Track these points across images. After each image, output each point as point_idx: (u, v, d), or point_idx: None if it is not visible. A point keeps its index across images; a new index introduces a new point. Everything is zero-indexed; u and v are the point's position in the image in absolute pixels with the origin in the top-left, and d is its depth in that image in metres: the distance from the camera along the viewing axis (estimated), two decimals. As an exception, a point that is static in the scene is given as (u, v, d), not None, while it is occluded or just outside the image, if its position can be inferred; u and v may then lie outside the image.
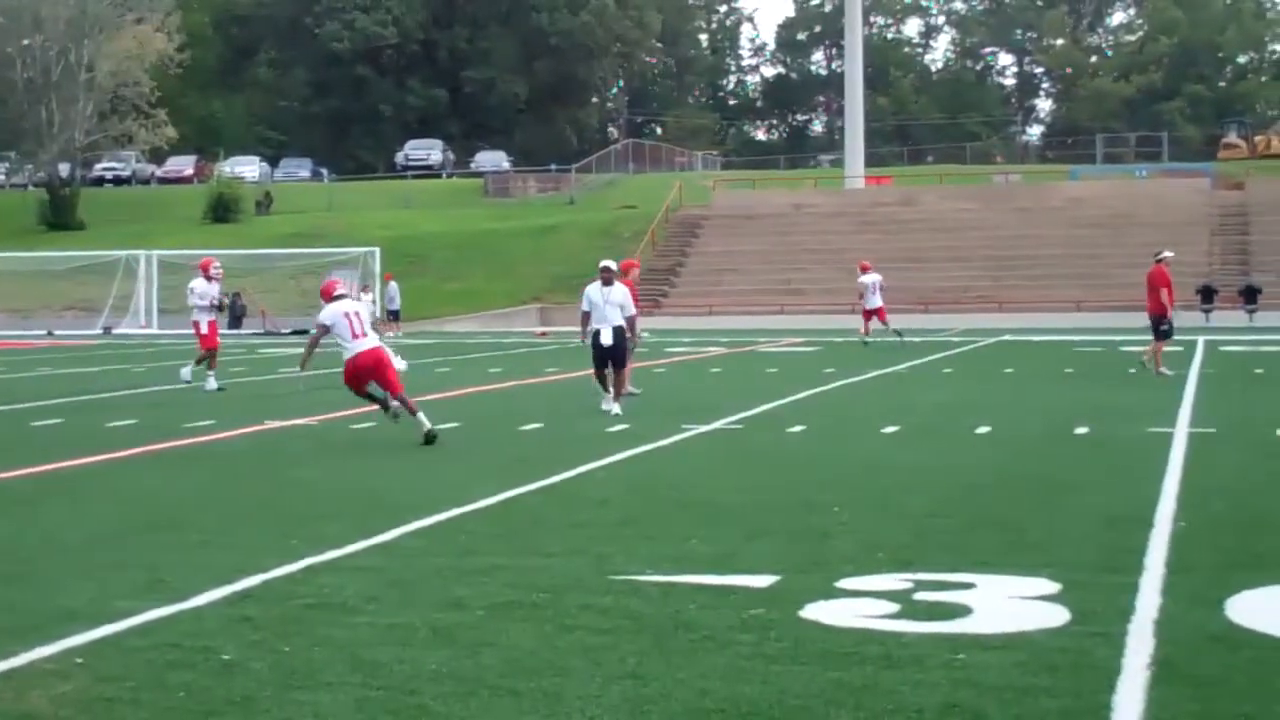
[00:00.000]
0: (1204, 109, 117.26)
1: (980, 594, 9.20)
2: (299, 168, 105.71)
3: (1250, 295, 53.66)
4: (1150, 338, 29.49)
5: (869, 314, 41.73)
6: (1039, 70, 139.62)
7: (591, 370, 22.31)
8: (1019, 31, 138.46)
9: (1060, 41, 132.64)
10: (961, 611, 8.73)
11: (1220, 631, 8.31)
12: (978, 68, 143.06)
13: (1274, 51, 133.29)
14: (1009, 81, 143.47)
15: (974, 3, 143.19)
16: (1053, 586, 9.35)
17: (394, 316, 58.84)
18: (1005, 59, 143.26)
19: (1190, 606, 8.84)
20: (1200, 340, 41.15)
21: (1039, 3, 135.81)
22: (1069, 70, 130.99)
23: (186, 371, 28.35)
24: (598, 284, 21.91)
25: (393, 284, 59.74)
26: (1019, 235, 64.50)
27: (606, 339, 21.58)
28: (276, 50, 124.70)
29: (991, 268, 61.73)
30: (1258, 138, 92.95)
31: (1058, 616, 8.62)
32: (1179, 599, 9.04)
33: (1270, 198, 65.00)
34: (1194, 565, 10.05)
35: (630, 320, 21.87)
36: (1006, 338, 45.80)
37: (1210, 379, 27.44)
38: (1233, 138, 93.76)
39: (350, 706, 6.96)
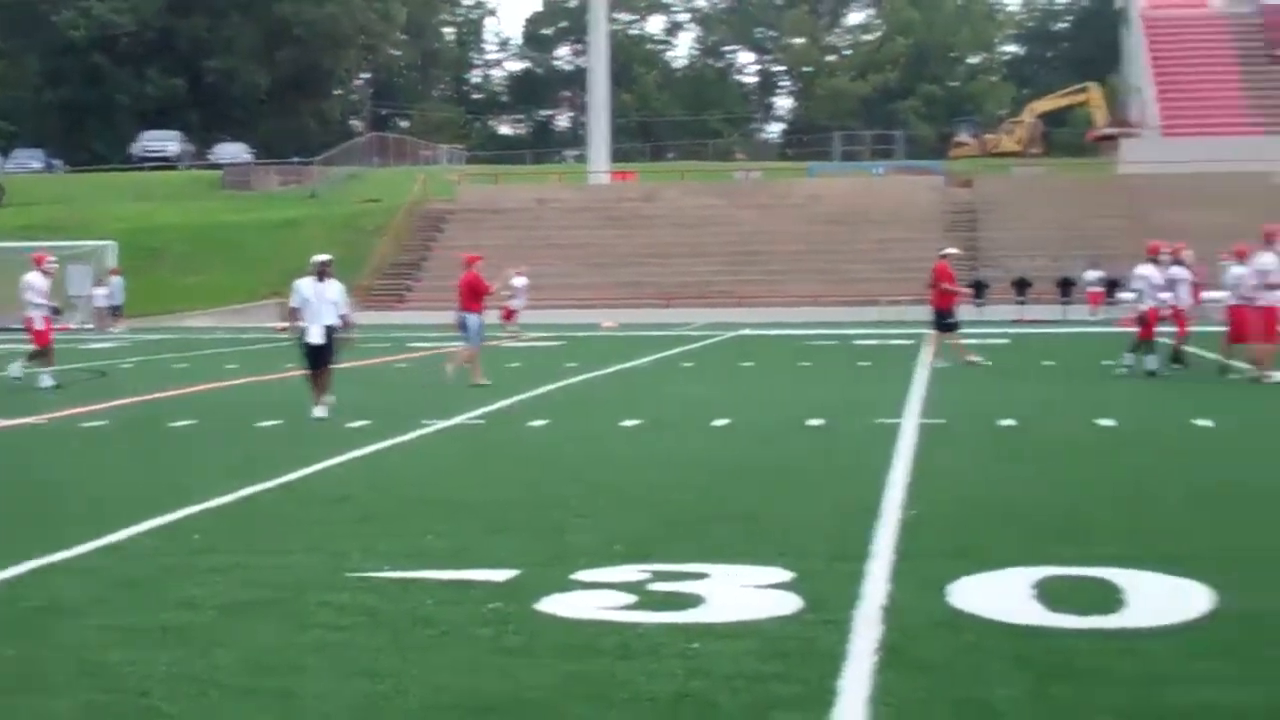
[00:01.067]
0: (937, 108, 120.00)
1: (715, 583, 9.33)
2: (31, 159, 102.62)
3: (978, 289, 55.05)
4: (936, 330, 30.52)
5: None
6: (779, 69, 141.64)
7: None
8: (760, 30, 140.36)
9: (800, 40, 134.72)
10: (696, 601, 8.85)
11: (944, 616, 8.54)
12: (720, 65, 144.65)
13: (1004, 53, 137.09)
14: (750, 79, 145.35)
15: (716, 1, 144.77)
16: (785, 575, 9.52)
17: (116, 312, 57.28)
18: (747, 57, 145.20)
19: (916, 592, 9.07)
20: (930, 333, 42.06)
21: (779, 2, 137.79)
22: (808, 69, 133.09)
23: (16, 368, 27.44)
24: (311, 279, 20.60)
25: (116, 279, 58.07)
26: (759, 231, 65.42)
27: (316, 338, 20.43)
28: (7, 38, 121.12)
29: (732, 263, 62.50)
30: (987, 137, 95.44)
31: (790, 604, 8.78)
32: (905, 585, 9.27)
33: (998, 195, 66.84)
34: (920, 552, 10.31)
35: (345, 319, 20.78)
36: (745, 332, 46.41)
37: (940, 371, 28.12)
38: (964, 137, 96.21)
39: (79, 711, 6.83)
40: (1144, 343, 25.96)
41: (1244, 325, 24.33)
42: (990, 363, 30.00)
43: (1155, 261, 26.45)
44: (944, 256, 31.10)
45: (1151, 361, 25.71)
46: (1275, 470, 14.60)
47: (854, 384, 25.89)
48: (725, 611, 8.62)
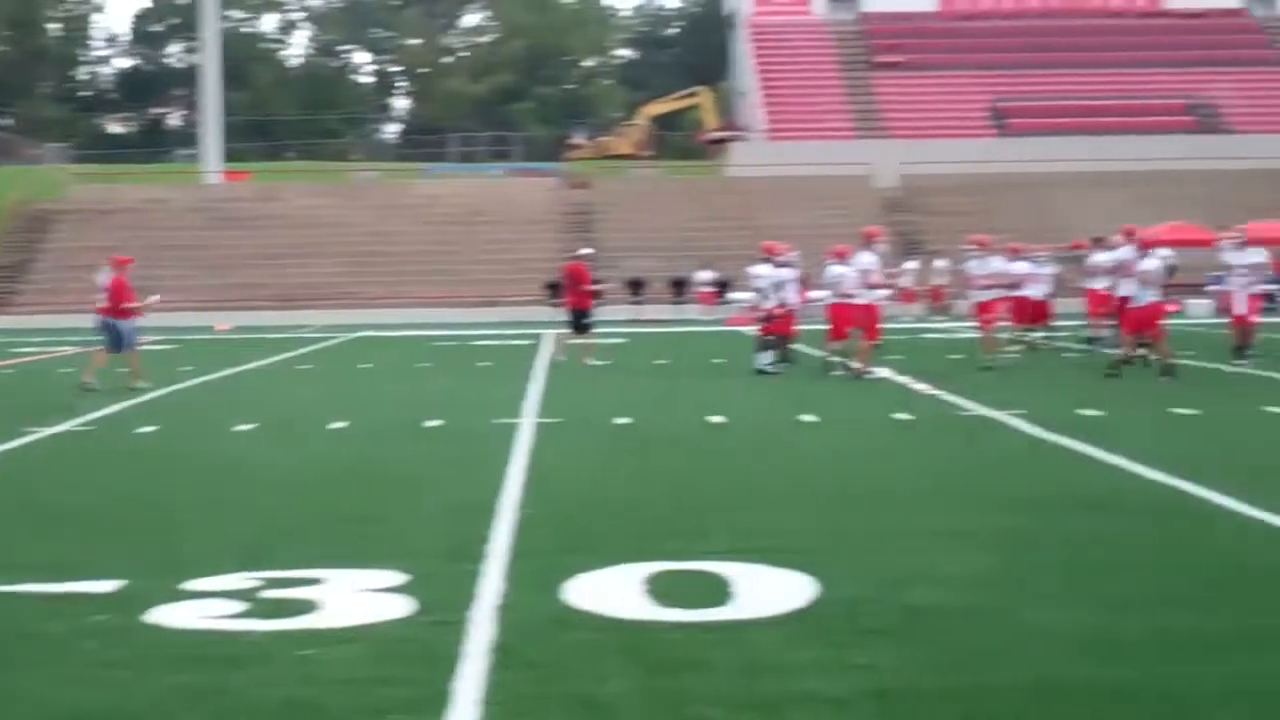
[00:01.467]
0: (553, 110, 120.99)
1: (329, 588, 9.23)
2: None
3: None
4: (571, 330, 30.59)
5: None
6: (396, 69, 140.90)
7: None
8: (376, 30, 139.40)
9: (416, 41, 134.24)
10: (309, 607, 8.74)
11: (557, 614, 8.61)
12: (336, 65, 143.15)
13: (617, 57, 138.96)
14: (367, 79, 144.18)
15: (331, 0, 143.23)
16: (401, 578, 9.47)
17: None
18: (363, 57, 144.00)
19: (530, 591, 9.12)
20: (549, 333, 42.41)
21: (395, 2, 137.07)
22: (425, 70, 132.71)
23: None
24: None
25: None
26: (377, 232, 64.96)
27: None
28: None
29: (350, 264, 61.94)
30: (602, 139, 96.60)
31: (405, 607, 8.75)
32: (520, 584, 9.32)
33: (613, 197, 67.72)
34: (535, 551, 10.37)
35: None
36: (365, 333, 46.07)
37: (558, 371, 28.34)
38: (579, 139, 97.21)
39: None
40: (767, 339, 26.57)
41: (844, 324, 25.16)
42: (612, 362, 30.32)
43: (770, 261, 27.13)
44: (579, 258, 31.39)
45: (764, 359, 26.34)
46: (875, 464, 15.11)
47: (473, 384, 25.91)
48: (339, 616, 8.54)
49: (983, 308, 27.28)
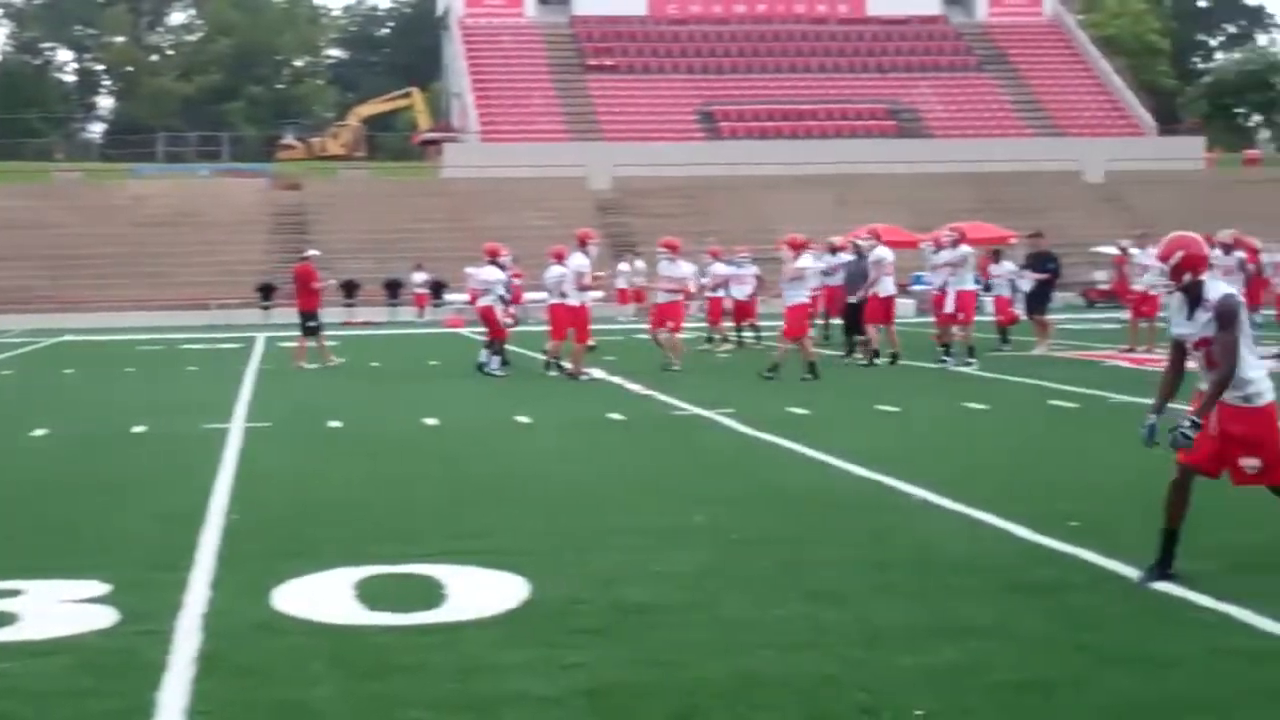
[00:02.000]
0: (263, 110, 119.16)
1: (29, 600, 9.00)
2: None
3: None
4: (300, 333, 30.01)
5: None
6: (100, 67, 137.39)
7: None
8: (79, 28, 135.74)
9: (120, 39, 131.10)
10: (9, 619, 8.52)
11: (265, 620, 8.52)
12: (37, 63, 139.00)
13: (329, 57, 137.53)
14: (70, 78, 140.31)
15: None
16: (104, 588, 9.27)
17: None
18: (66, 55, 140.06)
19: (238, 598, 9.01)
20: (260, 337, 41.86)
21: (99, 1, 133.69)
22: (130, 68, 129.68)
23: None
24: None
25: None
26: (81, 234, 63.12)
27: None
28: None
29: (52, 267, 60.11)
30: (314, 140, 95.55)
31: (108, 618, 8.57)
32: (228, 592, 9.20)
33: (325, 198, 66.95)
34: (244, 557, 10.24)
35: None
36: (68, 338, 44.80)
37: (269, 374, 27.98)
38: (290, 139, 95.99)
39: None
40: (493, 341, 26.50)
41: (562, 325, 25.23)
42: (343, 362, 29.95)
43: (496, 263, 27.07)
44: (305, 259, 30.87)
45: (494, 361, 26.23)
46: (588, 464, 15.21)
47: (181, 389, 25.43)
48: (39, 629, 8.34)
49: (665, 310, 27.18)
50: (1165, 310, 32.19)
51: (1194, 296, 9.05)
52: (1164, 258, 9.16)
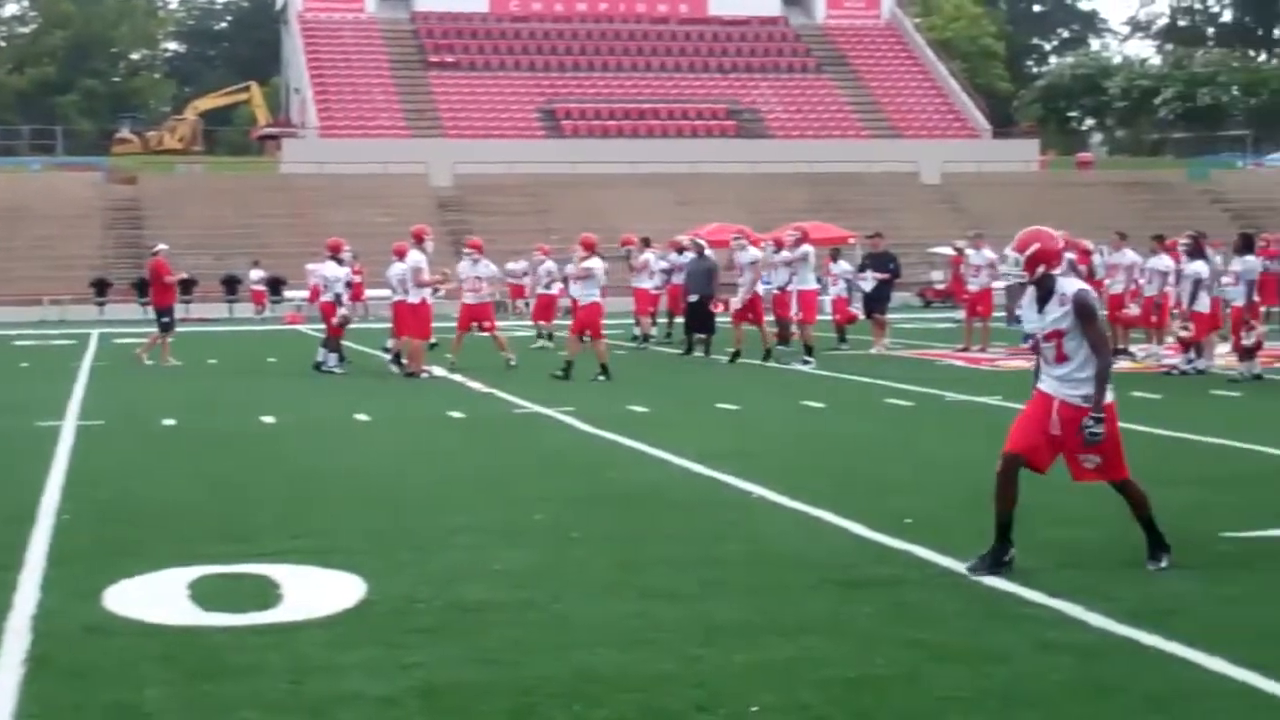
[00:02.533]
0: (99, 104, 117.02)
1: None
2: None
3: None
4: (156, 329, 29.41)
5: None
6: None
7: None
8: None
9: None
10: None
11: (96, 621, 8.38)
12: None
13: (166, 50, 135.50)
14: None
15: None
16: (-69, 590, 9.09)
17: None
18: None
19: (68, 599, 8.86)
20: (95, 333, 41.14)
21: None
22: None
23: None
24: None
25: None
26: (-92, 227, 61.66)
27: None
28: None
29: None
30: (150, 134, 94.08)
31: (-67, 622, 8.40)
32: (58, 593, 9.04)
33: (162, 193, 65.91)
34: (75, 558, 10.07)
35: None
36: (-104, 334, 43.67)
37: (103, 371, 27.53)
38: (126, 133, 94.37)
39: None
40: (332, 339, 26.21)
41: (405, 321, 24.94)
42: (177, 364, 29.51)
43: (337, 259, 26.79)
44: (156, 253, 30.23)
45: (332, 359, 25.98)
46: (428, 463, 15.13)
47: (12, 386, 24.95)
48: None
49: (473, 311, 26.70)
50: (1000, 306, 32.85)
51: (1045, 290, 9.22)
52: (1020, 249, 9.29)
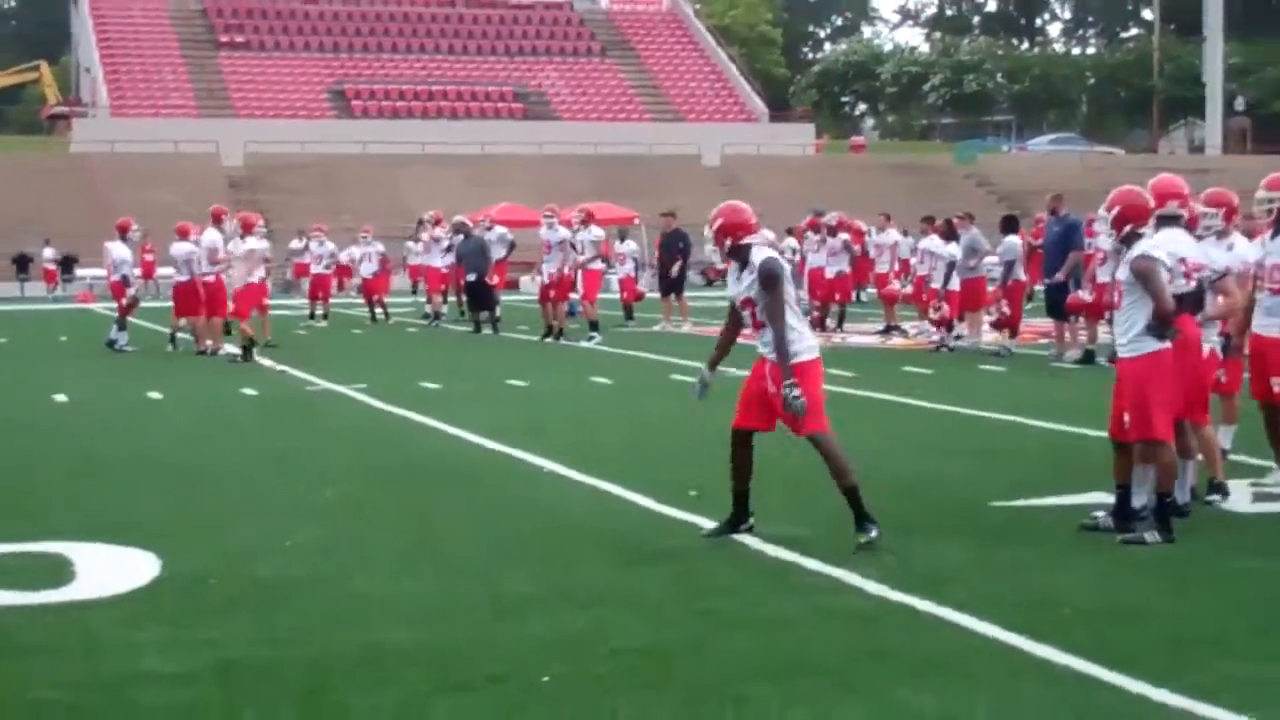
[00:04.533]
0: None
1: None
2: None
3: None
4: None
5: None
6: None
7: None
8: None
9: None
10: None
11: (-114, 604, 8.13)
12: None
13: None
14: None
15: None
16: None
17: None
18: None
19: None
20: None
21: None
22: None
23: None
24: None
25: None
26: None
27: None
28: None
29: None
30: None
31: None
32: None
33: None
34: None
35: None
36: None
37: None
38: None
39: None
40: (125, 316, 25.66)
41: (189, 300, 24.40)
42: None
43: (126, 239, 26.14)
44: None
45: (121, 337, 25.44)
46: (221, 440, 14.90)
47: None
48: None
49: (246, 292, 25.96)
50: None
51: (742, 260, 9.40)
52: (711, 224, 9.49)
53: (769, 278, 9.17)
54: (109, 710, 6.35)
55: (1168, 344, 9.19)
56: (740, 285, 9.43)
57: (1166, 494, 9.26)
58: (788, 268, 9.68)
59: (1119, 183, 10.19)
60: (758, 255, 9.32)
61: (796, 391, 9.01)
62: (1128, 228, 9.52)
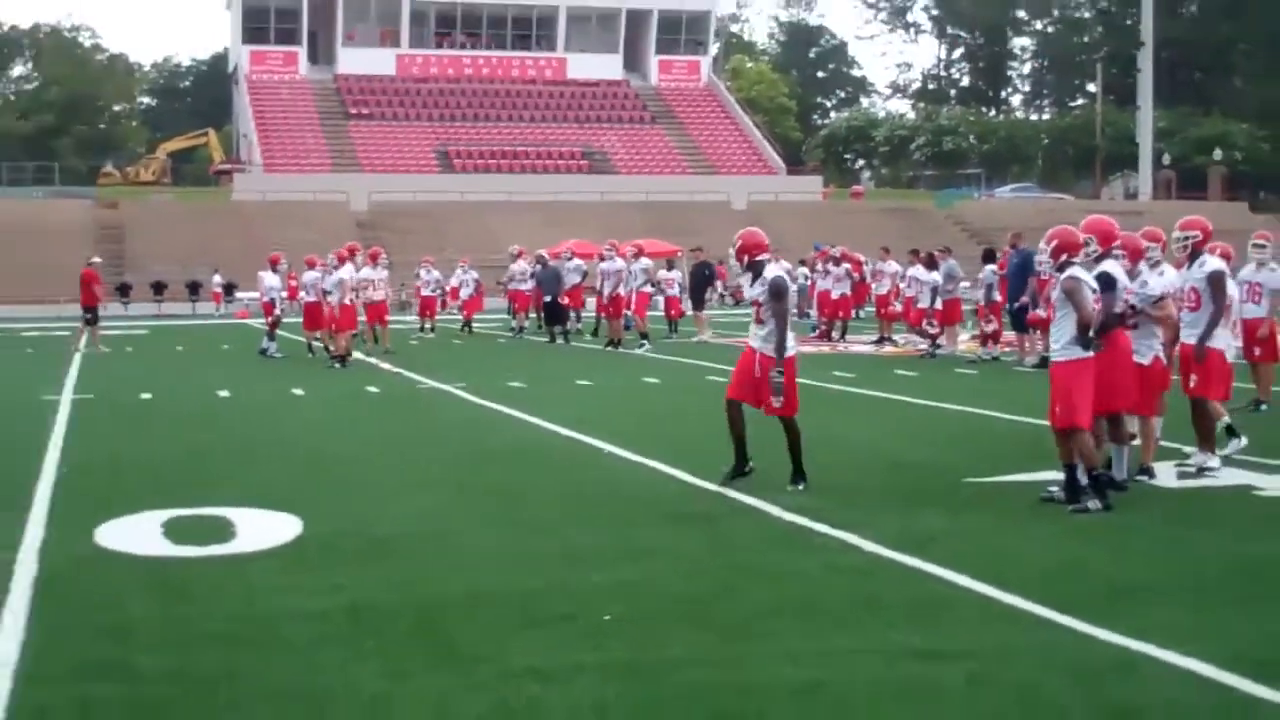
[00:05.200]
0: (88, 145, 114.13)
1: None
2: None
3: (125, 291, 53.10)
4: (84, 322, 29.06)
5: None
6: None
7: None
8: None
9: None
10: None
11: (90, 554, 8.20)
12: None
13: (141, 102, 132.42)
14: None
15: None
16: (-48, 531, 8.81)
17: None
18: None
19: (67, 536, 8.64)
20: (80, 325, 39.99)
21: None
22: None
23: None
24: None
25: None
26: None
27: None
28: None
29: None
30: (129, 169, 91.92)
31: (-44, 555, 8.15)
32: (59, 531, 8.83)
33: (139, 216, 64.55)
34: (72, 503, 9.84)
35: None
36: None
37: (92, 356, 26.86)
38: (110, 169, 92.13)
39: None
40: (274, 330, 25.93)
41: (318, 318, 24.35)
42: (130, 350, 28.97)
43: (275, 270, 26.40)
44: (91, 264, 30.04)
45: (270, 345, 25.59)
46: (350, 427, 14.92)
47: (20, 368, 24.29)
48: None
49: (374, 308, 25.41)
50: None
51: (757, 272, 10.06)
52: (733, 245, 10.32)
53: (776, 290, 9.85)
54: (262, 640, 6.39)
55: (1090, 352, 9.20)
56: (754, 290, 10.08)
57: (1093, 469, 9.25)
58: (794, 286, 10.07)
59: (1067, 222, 10.16)
60: (770, 271, 10.01)
61: (780, 377, 9.73)
62: (1063, 256, 9.54)
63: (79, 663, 5.99)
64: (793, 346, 10.03)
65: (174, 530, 8.82)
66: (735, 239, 10.32)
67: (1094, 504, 9.11)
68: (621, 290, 27.21)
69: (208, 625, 6.60)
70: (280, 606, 6.93)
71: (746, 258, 10.15)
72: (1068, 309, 9.25)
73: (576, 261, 31.11)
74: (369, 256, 26.09)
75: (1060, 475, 9.51)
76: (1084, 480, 9.24)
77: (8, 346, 31.28)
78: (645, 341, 26.22)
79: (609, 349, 26.34)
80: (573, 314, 30.53)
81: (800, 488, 9.89)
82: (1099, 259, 9.86)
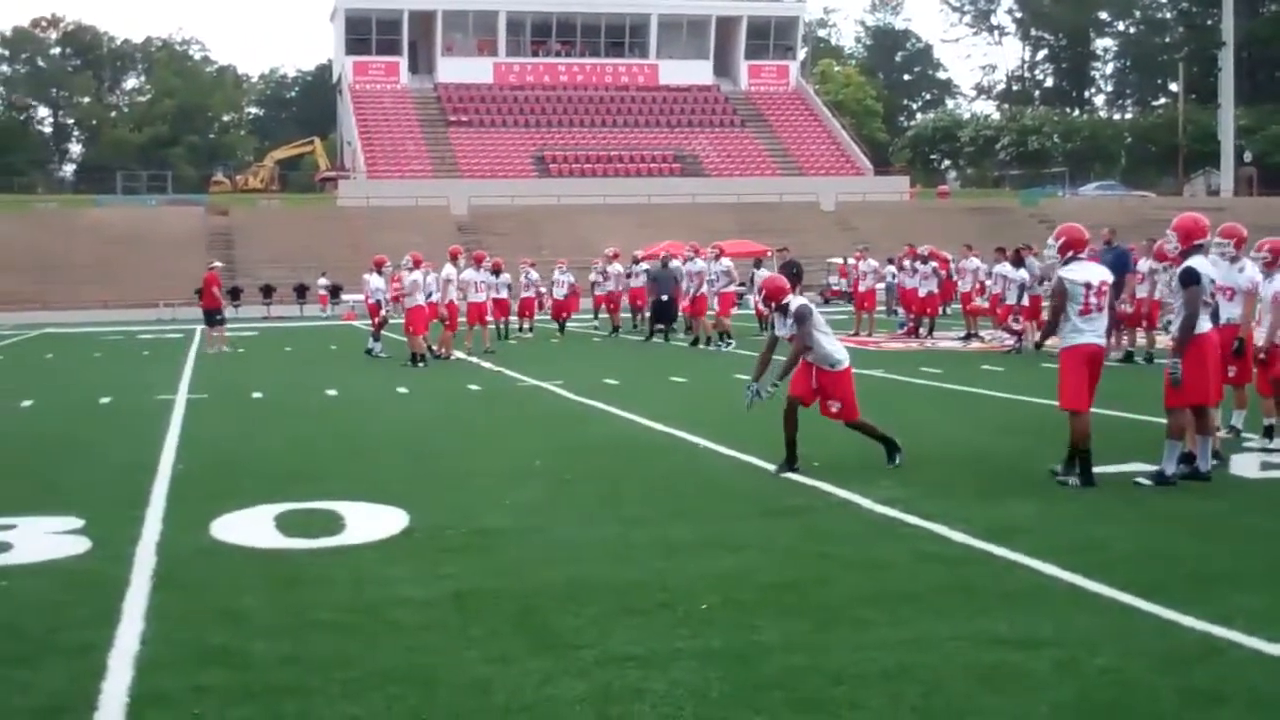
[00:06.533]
0: (199, 154, 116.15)
1: (20, 532, 8.74)
2: None
3: (236, 294, 54.05)
4: (207, 324, 30.04)
5: None
6: (71, 121, 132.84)
7: None
8: (54, 90, 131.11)
9: (87, 99, 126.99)
10: (5, 547, 8.25)
11: (205, 546, 8.34)
12: (21, 118, 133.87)
13: (249, 112, 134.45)
14: (47, 129, 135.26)
15: (17, 66, 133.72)
16: (79, 523, 9.02)
17: None
18: (44, 111, 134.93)
19: (184, 530, 8.80)
20: (198, 329, 40.70)
21: (69, 69, 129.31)
22: (94, 122, 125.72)
23: None
24: None
25: None
26: (58, 250, 60.91)
27: None
28: None
29: (36, 276, 58.16)
30: (238, 177, 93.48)
31: (82, 545, 8.35)
32: (176, 525, 8.99)
33: (248, 222, 65.59)
34: (188, 498, 10.01)
35: None
36: (49, 330, 43.40)
37: (205, 357, 27.35)
38: (220, 177, 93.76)
39: None
40: (379, 331, 26.34)
41: (422, 319, 24.32)
42: (242, 350, 29.48)
43: (380, 272, 26.70)
44: (212, 269, 30.53)
45: (376, 345, 25.93)
46: (453, 423, 15.05)
47: (137, 369, 24.78)
48: (29, 553, 8.10)
49: (476, 307, 25.70)
50: (881, 302, 32.98)
51: (784, 312, 10.66)
52: (758, 290, 10.50)
53: (799, 317, 10.47)
54: (371, 627, 6.47)
55: (1084, 341, 9.60)
56: (785, 327, 10.63)
57: (1076, 447, 9.59)
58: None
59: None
60: (793, 304, 10.59)
61: (768, 390, 10.57)
62: (1070, 253, 9.72)
63: (196, 651, 6.10)
64: (846, 356, 10.60)
65: (286, 523, 8.96)
66: (760, 285, 11.09)
67: (1074, 480, 9.51)
68: (705, 290, 27.20)
69: (319, 613, 6.69)
70: (388, 595, 7.01)
71: (773, 302, 10.67)
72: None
73: (727, 263, 29.20)
74: (473, 259, 26.50)
75: (1147, 466, 9.38)
76: (1174, 472, 9.17)
77: (125, 349, 31.93)
78: (729, 340, 26.13)
79: (696, 347, 26.32)
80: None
81: (897, 461, 10.47)
82: (1182, 255, 9.73)
